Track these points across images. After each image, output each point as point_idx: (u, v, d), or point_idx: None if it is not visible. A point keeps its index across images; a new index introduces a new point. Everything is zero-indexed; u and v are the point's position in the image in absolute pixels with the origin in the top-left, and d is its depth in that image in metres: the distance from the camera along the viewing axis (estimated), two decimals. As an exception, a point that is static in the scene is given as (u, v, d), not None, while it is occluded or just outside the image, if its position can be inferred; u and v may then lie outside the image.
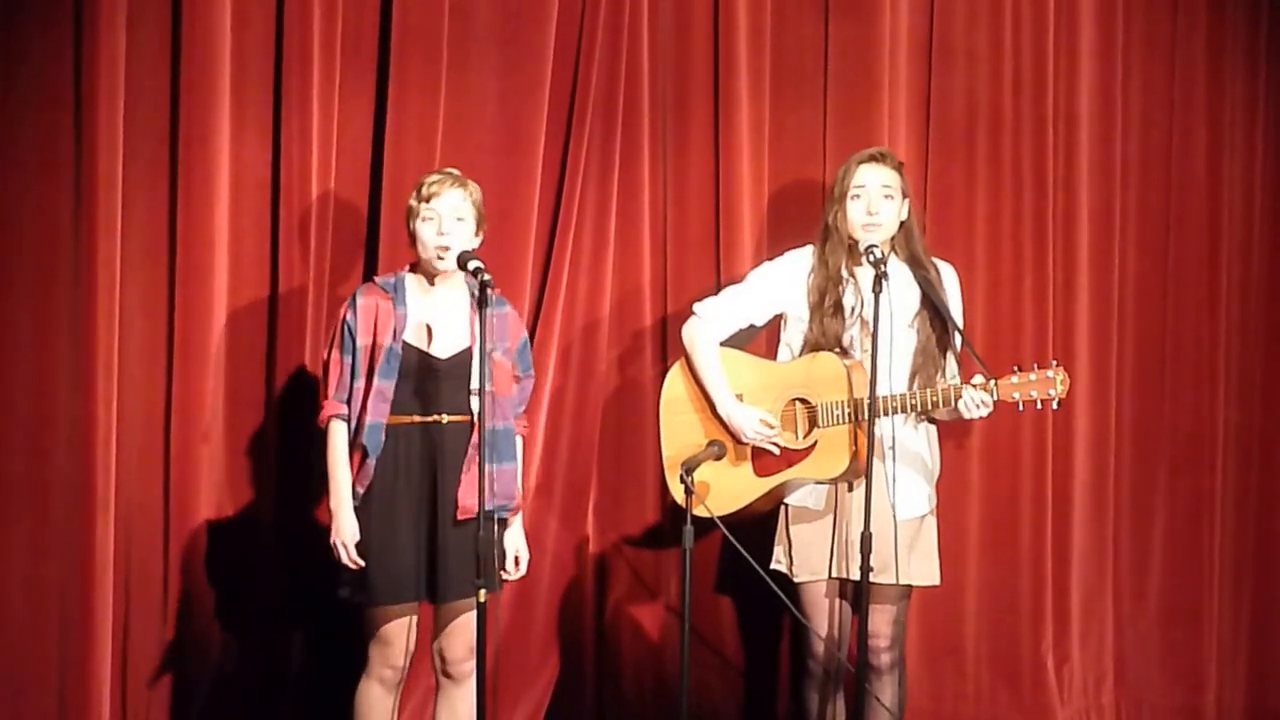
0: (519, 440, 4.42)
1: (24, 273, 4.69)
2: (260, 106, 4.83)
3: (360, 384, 4.23)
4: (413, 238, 4.29)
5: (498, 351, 4.28)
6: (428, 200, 4.24)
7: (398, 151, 4.91)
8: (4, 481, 4.69)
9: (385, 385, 4.21)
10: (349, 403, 4.24)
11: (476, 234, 4.31)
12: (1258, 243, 5.45)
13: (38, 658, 4.71)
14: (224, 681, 4.86)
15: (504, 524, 4.34)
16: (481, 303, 4.09)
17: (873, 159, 4.50)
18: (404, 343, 4.25)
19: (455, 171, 4.34)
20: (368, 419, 4.20)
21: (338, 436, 4.24)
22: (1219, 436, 5.44)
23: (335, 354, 4.27)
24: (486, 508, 4.09)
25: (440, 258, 4.25)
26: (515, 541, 4.40)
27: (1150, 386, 5.43)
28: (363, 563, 4.22)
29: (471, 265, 4.16)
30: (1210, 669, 5.44)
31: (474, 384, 4.26)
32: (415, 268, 4.34)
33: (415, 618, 4.30)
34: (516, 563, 4.40)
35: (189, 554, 4.82)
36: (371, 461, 4.20)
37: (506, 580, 4.42)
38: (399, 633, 4.28)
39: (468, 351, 4.28)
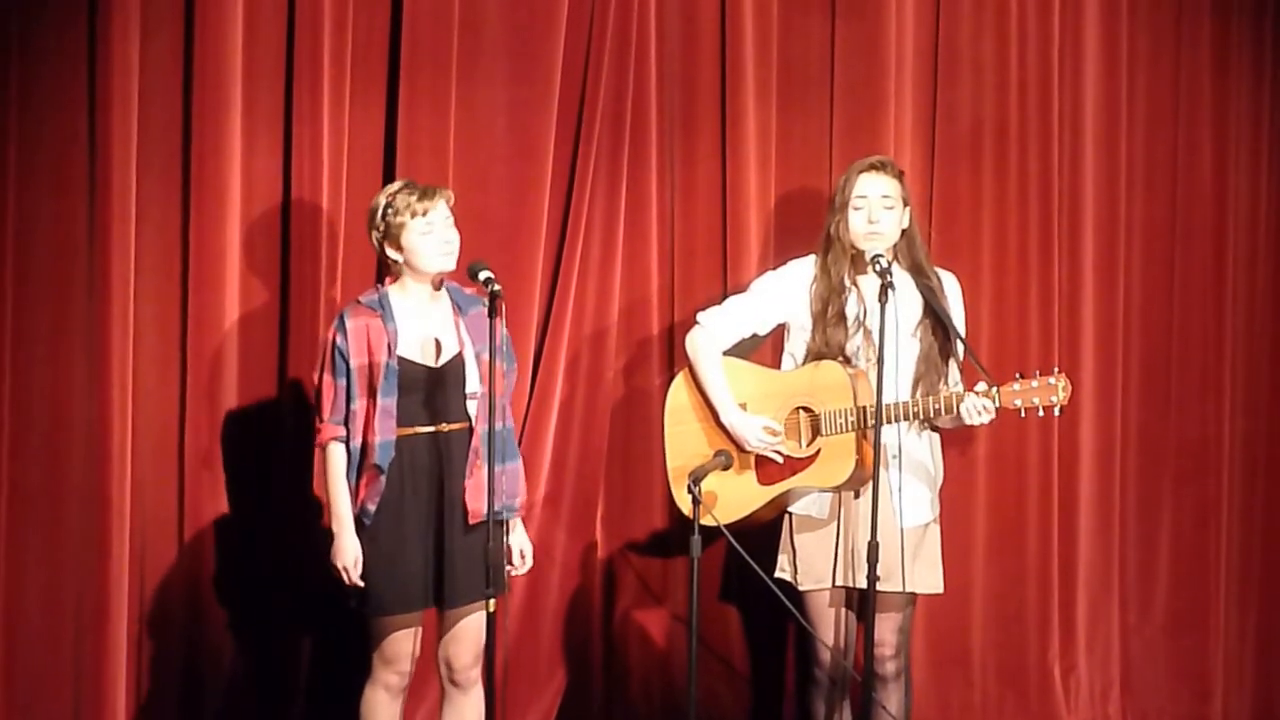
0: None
1: (39, 283, 4.72)
2: (272, 118, 4.85)
3: (361, 404, 4.23)
4: (406, 252, 4.27)
5: (485, 353, 4.28)
6: (424, 214, 4.25)
7: (409, 163, 4.91)
8: (20, 490, 4.72)
9: (389, 403, 4.23)
10: (348, 424, 4.25)
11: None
12: (1263, 251, 5.44)
13: (53, 666, 4.73)
14: (237, 689, 4.88)
15: (510, 524, 4.36)
16: (492, 312, 4.11)
17: (873, 168, 4.51)
18: (399, 357, 4.26)
19: (418, 184, 4.34)
20: (376, 438, 4.21)
21: (336, 459, 4.26)
22: (1225, 445, 5.43)
23: (327, 377, 4.27)
24: (494, 509, 4.13)
25: (446, 259, 4.27)
26: (518, 539, 4.41)
27: (1156, 395, 5.42)
28: (363, 584, 4.24)
29: (482, 276, 4.18)
30: (1217, 677, 5.42)
31: (469, 388, 4.28)
32: (396, 281, 4.34)
33: (420, 626, 4.32)
34: (523, 557, 4.41)
35: (203, 562, 4.84)
36: (383, 478, 4.23)
37: (514, 576, 4.41)
38: (404, 640, 4.29)
39: (458, 358, 4.30)
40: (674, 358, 5.14)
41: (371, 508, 4.24)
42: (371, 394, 4.23)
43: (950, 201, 5.27)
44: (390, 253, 4.30)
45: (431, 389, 4.27)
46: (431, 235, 4.26)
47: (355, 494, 4.25)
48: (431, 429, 4.26)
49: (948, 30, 5.25)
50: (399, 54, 4.94)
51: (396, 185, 4.34)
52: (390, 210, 4.28)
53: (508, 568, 4.35)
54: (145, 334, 4.79)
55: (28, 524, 4.73)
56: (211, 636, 4.86)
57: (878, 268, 4.31)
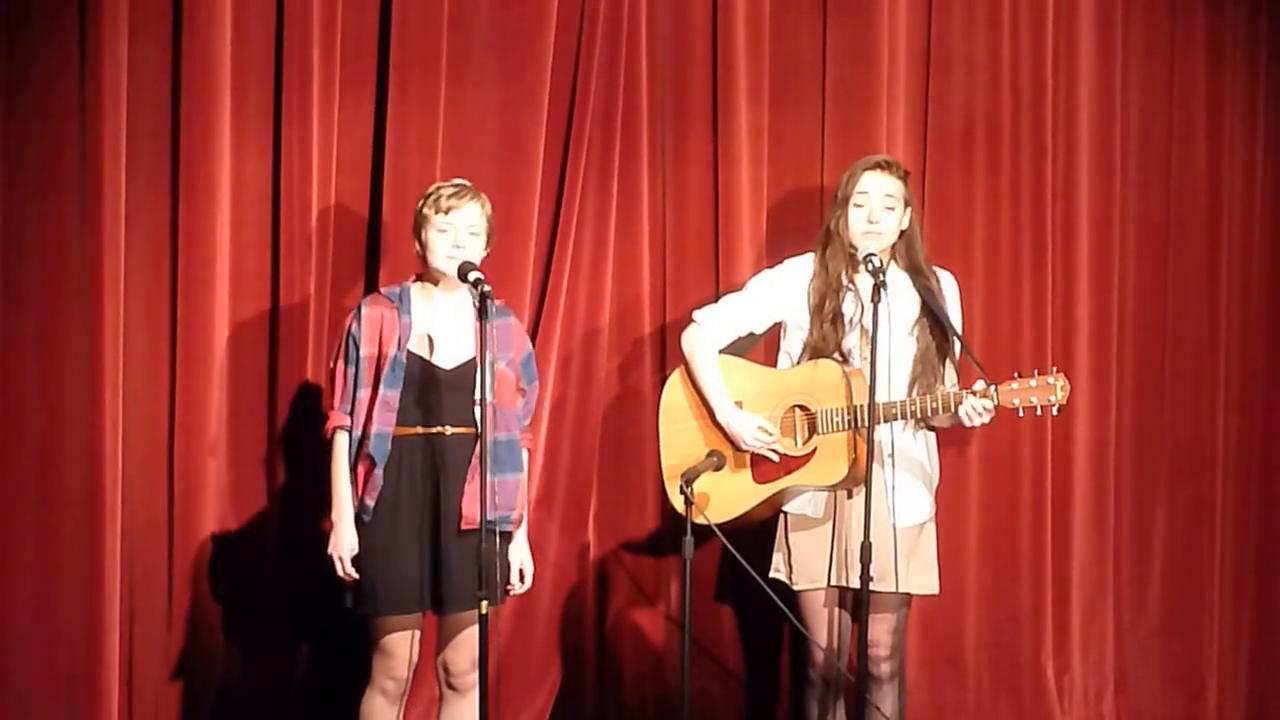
0: (524, 453, 4.41)
1: (30, 286, 4.69)
2: (261, 119, 4.83)
3: (365, 394, 4.23)
4: (422, 246, 4.30)
5: (500, 362, 4.28)
6: (446, 213, 4.26)
7: (398, 163, 4.91)
8: (12, 495, 4.69)
9: (390, 395, 4.22)
10: (352, 413, 4.25)
11: (486, 247, 4.33)
12: (1258, 249, 5.46)
13: (45, 671, 4.71)
14: (230, 693, 4.85)
15: (507, 537, 4.33)
16: (482, 314, 4.09)
17: (878, 166, 4.50)
18: (408, 352, 4.26)
19: (468, 183, 4.35)
20: (373, 428, 4.20)
21: (339, 448, 4.26)
22: (1219, 443, 5.44)
23: (340, 364, 4.29)
24: (488, 518, 4.09)
25: (448, 262, 4.26)
26: (519, 554, 4.39)
27: (1150, 393, 5.42)
28: (356, 575, 4.23)
29: (472, 276, 4.15)
30: (1211, 678, 5.43)
31: (478, 394, 4.26)
32: (421, 277, 4.35)
33: (418, 630, 4.29)
34: (521, 576, 4.39)
35: (194, 566, 4.82)
36: (379, 472, 4.21)
37: (511, 594, 4.39)
38: (401, 644, 4.27)
39: (472, 363, 4.27)
40: (666, 357, 5.13)
41: (370, 503, 4.23)
42: (375, 384, 4.22)
43: (943, 199, 5.26)
44: (417, 244, 4.32)
45: (440, 390, 4.26)
46: (445, 237, 4.27)
47: (355, 486, 4.24)
48: (435, 431, 4.25)
49: (940, 26, 5.25)
50: (388, 53, 4.92)
51: (448, 181, 4.36)
52: (425, 200, 4.30)
53: (507, 586, 4.34)
54: (135, 337, 4.77)
55: (19, 529, 4.70)
56: (204, 641, 4.84)
57: (870, 267, 4.30)
